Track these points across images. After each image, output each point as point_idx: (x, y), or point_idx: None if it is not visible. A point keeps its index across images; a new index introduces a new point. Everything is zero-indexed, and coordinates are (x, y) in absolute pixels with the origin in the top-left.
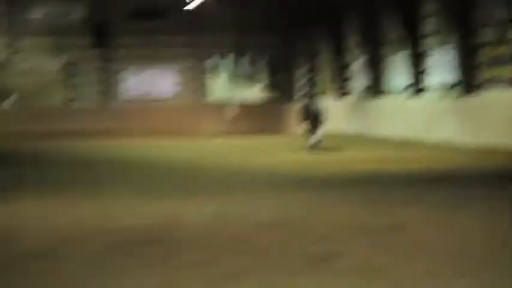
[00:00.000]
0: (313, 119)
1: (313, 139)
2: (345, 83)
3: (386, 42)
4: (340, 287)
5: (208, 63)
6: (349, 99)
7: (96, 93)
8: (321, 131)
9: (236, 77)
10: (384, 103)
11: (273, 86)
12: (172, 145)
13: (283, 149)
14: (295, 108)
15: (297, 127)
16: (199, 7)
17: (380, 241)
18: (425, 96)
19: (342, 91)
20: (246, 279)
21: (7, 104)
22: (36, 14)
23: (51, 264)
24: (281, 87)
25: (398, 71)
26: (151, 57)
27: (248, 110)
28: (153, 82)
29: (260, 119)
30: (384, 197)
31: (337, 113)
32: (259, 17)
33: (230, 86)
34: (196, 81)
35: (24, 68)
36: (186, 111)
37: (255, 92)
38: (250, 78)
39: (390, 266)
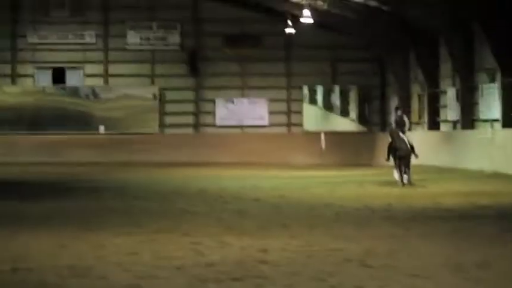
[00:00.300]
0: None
1: (401, 173)
2: (436, 113)
3: (481, 71)
4: None
5: (301, 92)
6: (441, 130)
7: (188, 121)
8: (409, 161)
9: (329, 107)
10: (475, 134)
11: (365, 116)
12: (263, 175)
13: (373, 182)
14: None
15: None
16: (294, 34)
17: (467, 279)
18: None
19: (434, 121)
20: None
21: (100, 130)
22: (132, 39)
23: None
24: (373, 118)
25: (492, 102)
26: (245, 86)
27: (340, 141)
28: (246, 111)
29: (351, 150)
30: (472, 234)
31: (428, 144)
32: (353, 45)
33: (322, 116)
34: (289, 111)
35: (118, 94)
36: (278, 140)
37: (347, 123)
38: (343, 108)
39: None
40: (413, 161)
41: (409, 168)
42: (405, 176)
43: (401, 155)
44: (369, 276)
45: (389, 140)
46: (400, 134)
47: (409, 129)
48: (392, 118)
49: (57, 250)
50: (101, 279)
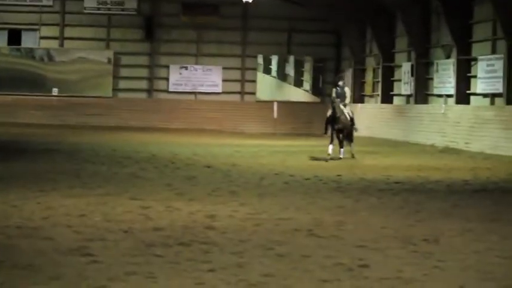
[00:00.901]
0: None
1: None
2: (390, 87)
3: (436, 46)
4: None
5: (256, 61)
6: (394, 104)
7: (143, 86)
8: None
9: (283, 77)
10: (428, 109)
11: (318, 87)
12: (215, 143)
13: (324, 153)
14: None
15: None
16: (251, 4)
17: (413, 252)
18: (471, 104)
19: (388, 95)
20: (274, 287)
21: (54, 93)
22: (89, 3)
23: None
24: (327, 89)
25: (446, 77)
26: (200, 53)
27: (292, 111)
28: (200, 77)
29: (304, 120)
30: (421, 207)
31: (381, 117)
32: (310, 17)
33: (276, 86)
34: (243, 79)
35: (73, 58)
36: (231, 109)
37: (300, 93)
38: (297, 79)
39: (419, 278)
40: (356, 134)
41: (351, 141)
42: (342, 150)
43: (340, 128)
44: (317, 246)
45: (329, 112)
46: (341, 106)
47: (351, 102)
48: (333, 90)
49: (6, 210)
50: (49, 240)
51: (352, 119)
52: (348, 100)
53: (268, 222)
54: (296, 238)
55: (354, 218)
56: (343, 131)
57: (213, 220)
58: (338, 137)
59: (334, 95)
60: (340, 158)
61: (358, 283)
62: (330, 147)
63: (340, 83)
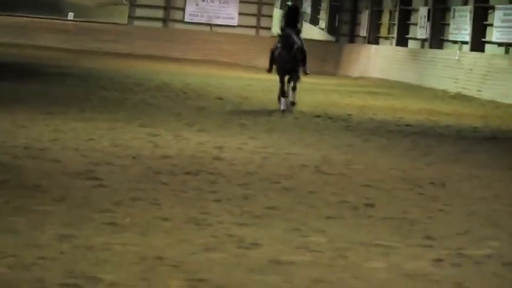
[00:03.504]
0: (288, 57)
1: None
2: (406, 30)
3: None
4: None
5: None
6: (409, 48)
7: (158, 14)
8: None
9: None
10: (443, 55)
11: (334, 26)
12: (228, 75)
13: (335, 91)
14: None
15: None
16: None
17: (419, 194)
18: (485, 52)
19: (403, 38)
20: (279, 219)
21: (69, 17)
22: None
23: (90, 187)
24: (342, 28)
25: (462, 24)
26: None
27: (307, 49)
28: (216, 9)
29: (318, 58)
30: (430, 151)
31: (395, 60)
32: None
33: None
34: (259, 14)
35: None
36: (246, 42)
37: (315, 31)
38: (313, 16)
39: (423, 220)
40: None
41: (294, 84)
42: (283, 100)
43: (285, 67)
44: (323, 183)
45: (275, 43)
46: (293, 36)
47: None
48: (282, 15)
49: (14, 130)
50: (56, 162)
51: (303, 56)
52: (300, 27)
53: (276, 156)
54: (303, 173)
55: (362, 158)
56: (289, 70)
57: (221, 151)
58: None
59: (282, 23)
60: (284, 110)
61: (362, 221)
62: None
63: (291, 3)
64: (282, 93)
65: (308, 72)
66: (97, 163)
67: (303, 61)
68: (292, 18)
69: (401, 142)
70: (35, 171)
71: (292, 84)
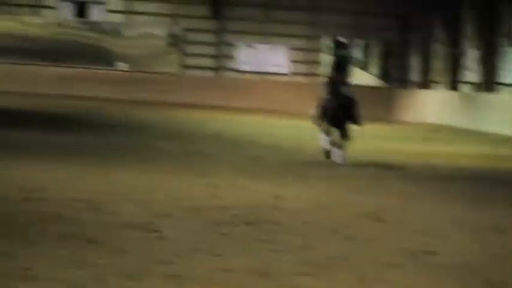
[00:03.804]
0: (337, 108)
1: (336, 150)
2: (457, 74)
3: (504, 35)
4: (434, 282)
5: (323, 43)
6: (460, 91)
7: (209, 63)
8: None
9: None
10: (495, 98)
11: (385, 71)
12: (281, 123)
13: (390, 137)
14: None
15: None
16: None
17: (480, 241)
18: None
19: (454, 82)
20: (341, 269)
21: (120, 67)
22: None
23: (150, 239)
24: (393, 74)
25: None
26: (267, 32)
27: (359, 95)
28: (267, 57)
29: (370, 104)
30: (487, 196)
31: (447, 104)
32: (379, 0)
33: None
34: (309, 61)
35: (140, 32)
36: (297, 89)
37: (367, 77)
38: (364, 62)
39: (485, 266)
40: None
41: (346, 139)
42: (336, 152)
43: (334, 118)
44: (382, 231)
45: (323, 93)
46: (341, 85)
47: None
48: (330, 62)
49: (73, 183)
50: (115, 215)
51: (353, 105)
52: (350, 76)
53: (334, 204)
54: (361, 221)
55: (418, 204)
56: (339, 122)
57: (280, 201)
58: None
59: (331, 69)
60: (329, 157)
61: (423, 269)
62: (324, 139)
63: (341, 47)
64: (332, 145)
65: (361, 122)
66: (156, 215)
67: (355, 111)
68: (341, 66)
69: (457, 187)
70: (94, 224)
71: (341, 138)
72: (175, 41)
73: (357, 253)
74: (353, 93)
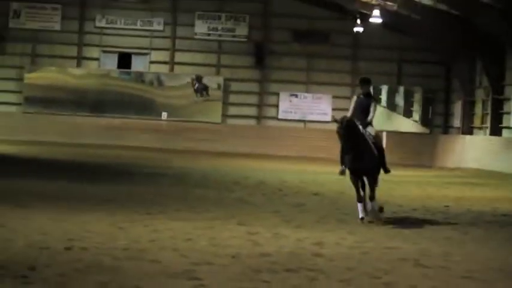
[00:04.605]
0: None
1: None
2: (500, 119)
3: None
4: None
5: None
6: (503, 137)
7: (251, 112)
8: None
9: (392, 107)
10: None
11: (427, 118)
12: (323, 171)
13: (432, 183)
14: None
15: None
16: (362, 33)
17: None
18: None
19: (496, 127)
20: None
21: (163, 117)
22: (200, 29)
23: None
24: (435, 120)
25: None
26: (309, 81)
27: (401, 141)
28: (309, 105)
29: (413, 151)
30: None
31: (490, 150)
32: (420, 48)
33: (386, 116)
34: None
35: (183, 82)
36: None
37: (409, 124)
38: (406, 109)
39: None
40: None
41: (373, 188)
42: (368, 204)
43: (356, 167)
44: (423, 276)
45: (341, 139)
46: (361, 128)
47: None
48: (352, 102)
49: (113, 232)
50: (156, 263)
51: (380, 151)
52: (371, 118)
53: (375, 250)
54: (403, 268)
55: (460, 250)
56: (364, 171)
57: (321, 247)
58: (356, 182)
59: (351, 111)
60: (363, 218)
61: None
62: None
63: (365, 88)
64: (359, 199)
65: (389, 169)
66: (197, 263)
67: (379, 158)
68: (363, 107)
69: (499, 233)
70: (134, 272)
71: (367, 190)
72: (218, 91)
73: None
74: (374, 137)
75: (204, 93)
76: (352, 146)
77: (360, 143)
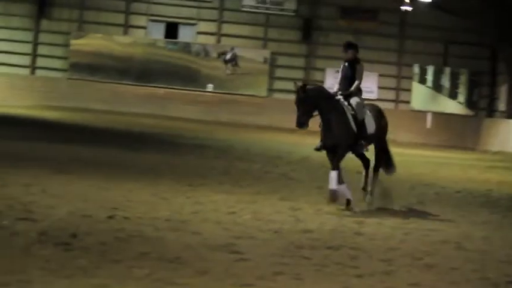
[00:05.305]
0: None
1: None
2: None
3: None
4: None
5: (412, 70)
6: None
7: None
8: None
9: (437, 88)
10: None
11: (473, 100)
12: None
13: (475, 166)
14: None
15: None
16: (409, 12)
17: None
18: None
19: None
20: None
21: (208, 89)
22: (248, 1)
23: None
24: (480, 103)
25: None
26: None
27: (446, 123)
28: None
29: (457, 132)
30: None
31: None
32: (467, 29)
33: (430, 96)
34: (398, 87)
35: (228, 56)
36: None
37: (454, 105)
38: (451, 90)
39: None
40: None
41: (336, 164)
42: (342, 187)
43: (324, 142)
44: (464, 259)
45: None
46: (341, 99)
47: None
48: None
49: (156, 202)
50: (197, 234)
51: (379, 131)
52: (353, 86)
53: (417, 232)
54: (444, 250)
55: (501, 233)
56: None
57: (362, 226)
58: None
59: (338, 85)
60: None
61: None
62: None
63: (349, 52)
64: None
65: (393, 168)
66: (238, 236)
67: (360, 133)
68: (347, 77)
69: None
70: (176, 244)
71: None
72: (265, 64)
73: (439, 281)
74: (361, 111)
75: (234, 63)
76: (304, 114)
77: (328, 115)
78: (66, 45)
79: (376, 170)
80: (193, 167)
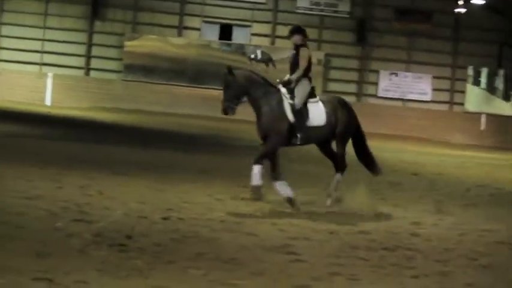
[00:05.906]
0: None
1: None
2: None
3: None
4: None
5: (466, 72)
6: None
7: (351, 89)
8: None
9: (491, 90)
10: None
11: None
12: (421, 151)
13: None
14: None
15: None
16: (463, 14)
17: None
18: None
19: None
20: None
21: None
22: (302, 3)
23: (287, 261)
24: None
25: None
26: (410, 60)
27: (500, 125)
28: (409, 85)
29: (511, 135)
30: None
31: None
32: None
33: (484, 98)
34: (452, 89)
35: (284, 56)
36: (439, 118)
37: (508, 107)
38: (506, 93)
39: None
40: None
41: (263, 155)
42: (277, 185)
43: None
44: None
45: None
46: (280, 87)
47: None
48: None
49: (210, 203)
50: (252, 236)
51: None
52: (297, 73)
53: (472, 232)
54: (500, 251)
55: None
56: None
57: (418, 227)
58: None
59: (289, 75)
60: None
61: None
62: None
63: (295, 37)
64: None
65: (343, 167)
66: (294, 237)
67: (299, 131)
68: (293, 64)
69: None
70: (231, 245)
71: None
72: (319, 66)
73: (495, 282)
74: (301, 103)
75: (270, 64)
76: (229, 100)
77: (258, 102)
78: (120, 46)
79: (338, 170)
80: (245, 167)
